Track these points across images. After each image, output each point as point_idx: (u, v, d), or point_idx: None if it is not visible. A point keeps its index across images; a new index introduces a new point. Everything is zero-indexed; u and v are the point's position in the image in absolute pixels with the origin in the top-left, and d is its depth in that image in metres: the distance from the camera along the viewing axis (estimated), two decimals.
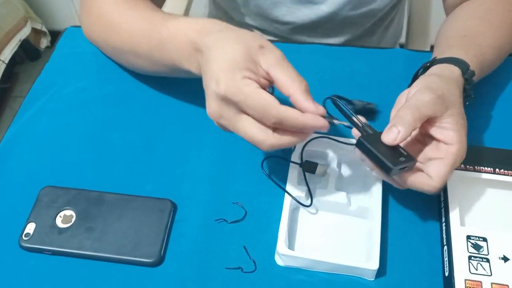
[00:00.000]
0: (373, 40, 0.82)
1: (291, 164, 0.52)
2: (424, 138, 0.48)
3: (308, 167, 0.52)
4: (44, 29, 1.75)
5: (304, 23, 0.75)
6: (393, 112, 0.48)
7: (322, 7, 0.72)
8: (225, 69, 0.42)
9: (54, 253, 0.48)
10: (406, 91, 0.49)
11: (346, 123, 0.47)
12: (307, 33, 0.77)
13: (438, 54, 0.54)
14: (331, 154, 0.53)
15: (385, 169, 0.43)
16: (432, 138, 0.47)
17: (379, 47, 0.82)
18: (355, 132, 0.47)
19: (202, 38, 0.46)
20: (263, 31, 0.79)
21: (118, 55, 0.61)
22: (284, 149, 0.53)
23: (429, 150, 0.47)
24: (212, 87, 0.42)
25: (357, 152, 0.45)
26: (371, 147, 0.43)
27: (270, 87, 0.44)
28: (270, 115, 0.41)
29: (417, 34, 0.98)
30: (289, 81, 0.43)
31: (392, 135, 0.43)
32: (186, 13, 0.99)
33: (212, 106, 0.43)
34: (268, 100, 0.41)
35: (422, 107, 0.44)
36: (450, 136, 0.45)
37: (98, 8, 0.58)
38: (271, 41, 0.73)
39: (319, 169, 0.52)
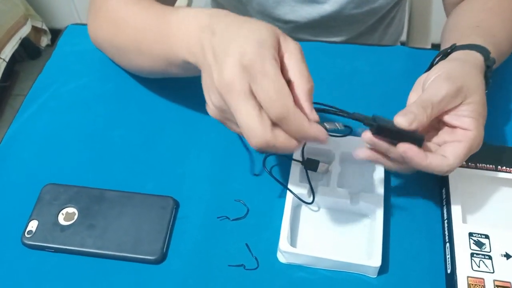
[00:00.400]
0: (374, 38, 0.82)
1: (292, 161, 0.52)
2: (439, 124, 0.47)
3: (310, 165, 0.52)
4: (44, 27, 1.75)
5: (307, 22, 0.75)
6: (411, 96, 0.48)
7: (325, 6, 0.72)
8: (253, 44, 0.40)
9: (57, 250, 0.48)
10: (425, 75, 0.48)
11: (340, 124, 0.45)
12: (309, 31, 0.77)
13: (456, 41, 0.53)
14: (332, 151, 0.53)
15: (418, 140, 0.42)
16: (447, 125, 0.46)
17: (380, 44, 0.82)
18: (362, 132, 0.45)
19: (217, 19, 0.44)
20: None
21: (121, 55, 0.61)
22: None
23: (445, 134, 0.46)
24: (236, 56, 0.39)
25: (373, 140, 0.44)
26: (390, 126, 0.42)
27: None
28: (280, 103, 0.38)
29: (418, 31, 0.98)
30: (298, 75, 0.41)
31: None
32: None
33: (229, 73, 0.39)
34: (285, 89, 0.39)
35: (436, 103, 0.44)
36: (467, 123, 0.44)
37: (107, 8, 0.58)
38: None
39: (321, 167, 0.52)
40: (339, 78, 0.64)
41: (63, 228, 0.49)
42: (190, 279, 0.47)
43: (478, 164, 0.51)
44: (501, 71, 0.63)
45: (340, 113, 0.45)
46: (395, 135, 0.43)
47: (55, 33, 1.79)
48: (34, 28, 1.71)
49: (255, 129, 0.39)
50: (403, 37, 0.97)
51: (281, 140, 0.40)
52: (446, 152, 0.44)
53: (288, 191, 0.50)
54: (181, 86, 0.62)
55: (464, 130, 0.44)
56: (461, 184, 0.50)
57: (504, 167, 0.51)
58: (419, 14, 0.99)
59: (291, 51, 0.41)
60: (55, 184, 0.52)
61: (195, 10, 0.48)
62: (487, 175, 0.50)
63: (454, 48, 0.51)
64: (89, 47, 0.67)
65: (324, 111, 0.45)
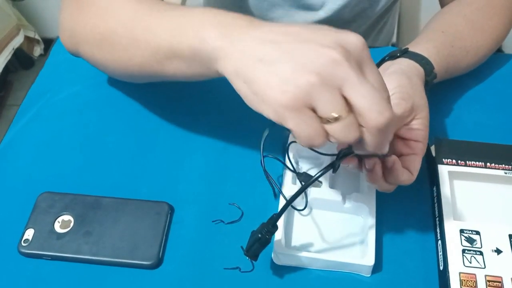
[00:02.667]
0: (367, 43, 0.83)
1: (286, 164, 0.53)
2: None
3: (306, 179, 0.51)
4: (37, 37, 1.75)
5: None
6: None
7: (320, 12, 0.73)
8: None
9: (54, 258, 0.48)
10: None
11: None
12: None
13: (414, 43, 0.56)
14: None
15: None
16: (399, 136, 0.49)
17: (371, 46, 0.83)
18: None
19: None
20: None
21: (104, 48, 0.50)
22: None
23: (400, 147, 0.49)
24: (351, 36, 0.36)
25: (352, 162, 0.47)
26: None
27: None
28: (384, 91, 0.36)
29: (407, 32, 0.99)
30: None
31: None
32: None
33: (335, 52, 0.34)
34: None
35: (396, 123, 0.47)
36: (418, 135, 0.48)
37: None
38: None
39: (315, 183, 0.52)
40: None
41: (60, 235, 0.49)
42: (187, 283, 0.47)
43: (467, 162, 0.52)
44: (489, 69, 0.64)
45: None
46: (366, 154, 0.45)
47: (48, 43, 1.79)
48: (27, 38, 1.71)
49: (382, 107, 0.35)
50: (394, 39, 0.98)
51: (352, 130, 0.36)
52: (409, 167, 0.47)
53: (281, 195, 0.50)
54: (174, 93, 0.63)
55: (415, 142, 0.48)
56: (451, 182, 0.51)
57: (493, 164, 0.52)
58: (409, 15, 1.00)
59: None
60: (50, 193, 0.52)
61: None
62: (477, 172, 0.51)
63: (405, 52, 0.54)
64: None
65: None
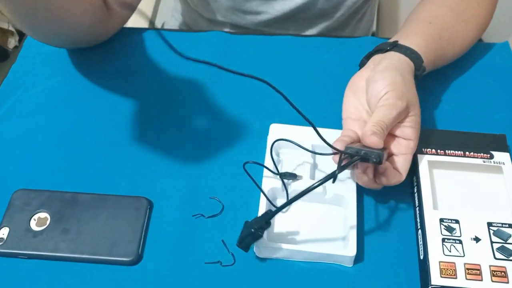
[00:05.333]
0: (346, 32, 0.83)
1: (266, 157, 0.52)
2: None
3: (289, 177, 0.51)
4: (11, 28, 1.70)
5: (277, 15, 0.75)
6: (348, 96, 0.53)
7: (296, 0, 0.72)
8: None
9: (30, 257, 0.47)
10: (365, 74, 0.52)
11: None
12: (280, 25, 0.77)
13: (403, 35, 0.56)
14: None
15: (377, 158, 0.45)
16: (389, 133, 0.49)
17: (350, 36, 0.83)
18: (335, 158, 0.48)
19: None
20: (235, 26, 0.78)
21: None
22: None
23: (390, 146, 0.49)
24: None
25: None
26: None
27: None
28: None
29: (387, 21, 0.99)
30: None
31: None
32: (156, 5, 0.98)
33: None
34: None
35: (391, 122, 0.47)
36: (409, 133, 0.49)
37: None
38: (243, 33, 0.73)
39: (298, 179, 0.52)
40: (311, 71, 0.64)
41: (36, 233, 0.48)
42: (167, 279, 0.46)
43: (447, 151, 0.52)
44: (471, 59, 0.65)
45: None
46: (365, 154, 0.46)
47: (23, 34, 1.75)
48: (1, 30, 1.67)
49: None
50: (373, 27, 0.98)
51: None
52: (399, 168, 0.48)
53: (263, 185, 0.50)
54: (151, 86, 0.62)
55: (406, 140, 0.49)
56: (431, 171, 0.51)
57: (472, 153, 0.52)
58: (388, 4, 1.00)
59: None
60: (25, 190, 0.51)
61: None
62: (456, 161, 0.52)
63: (395, 45, 0.54)
64: (55, 48, 0.66)
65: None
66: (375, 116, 0.47)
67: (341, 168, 0.45)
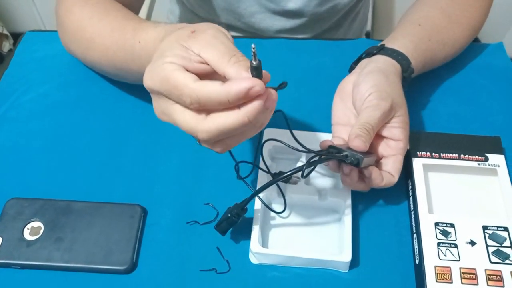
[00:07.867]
0: (339, 33, 0.82)
1: (261, 164, 0.52)
2: None
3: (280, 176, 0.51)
4: (5, 32, 1.69)
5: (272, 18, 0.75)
6: (337, 102, 0.53)
7: (289, 4, 0.72)
8: (151, 63, 0.39)
9: (24, 266, 0.47)
10: (352, 79, 0.52)
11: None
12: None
13: (391, 38, 0.56)
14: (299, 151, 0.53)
15: (354, 161, 0.45)
16: (377, 134, 0.49)
17: (344, 38, 0.82)
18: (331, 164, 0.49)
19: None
20: (230, 27, 0.78)
21: (99, 69, 0.60)
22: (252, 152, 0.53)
23: (380, 148, 0.49)
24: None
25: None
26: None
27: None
28: (184, 95, 0.36)
29: (382, 22, 0.99)
30: (217, 58, 0.36)
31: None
32: (151, 7, 0.98)
33: (153, 105, 0.40)
34: (178, 79, 0.36)
35: (377, 124, 0.47)
36: (397, 134, 0.49)
37: (72, 23, 0.56)
38: (238, 36, 0.72)
39: (292, 180, 0.51)
40: (305, 74, 0.64)
41: (29, 243, 0.48)
42: (162, 287, 0.46)
43: (441, 154, 0.52)
44: (465, 62, 0.64)
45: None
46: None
47: (17, 37, 1.74)
48: None
49: (191, 127, 0.38)
50: (368, 27, 0.98)
51: (220, 120, 0.36)
52: (390, 170, 0.48)
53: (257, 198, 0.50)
54: (145, 93, 0.61)
55: (395, 141, 0.49)
56: (426, 174, 0.51)
57: (467, 156, 0.52)
58: (383, 3, 0.99)
59: (202, 44, 0.38)
60: (18, 198, 0.51)
61: (152, 35, 0.45)
62: (451, 163, 0.51)
63: (381, 49, 0.54)
64: (48, 54, 0.66)
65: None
66: (360, 119, 0.47)
67: (309, 164, 0.44)
